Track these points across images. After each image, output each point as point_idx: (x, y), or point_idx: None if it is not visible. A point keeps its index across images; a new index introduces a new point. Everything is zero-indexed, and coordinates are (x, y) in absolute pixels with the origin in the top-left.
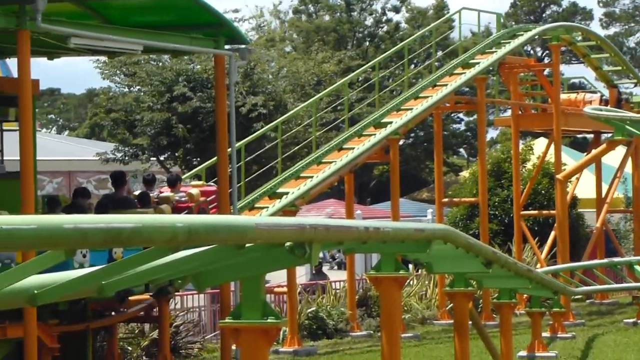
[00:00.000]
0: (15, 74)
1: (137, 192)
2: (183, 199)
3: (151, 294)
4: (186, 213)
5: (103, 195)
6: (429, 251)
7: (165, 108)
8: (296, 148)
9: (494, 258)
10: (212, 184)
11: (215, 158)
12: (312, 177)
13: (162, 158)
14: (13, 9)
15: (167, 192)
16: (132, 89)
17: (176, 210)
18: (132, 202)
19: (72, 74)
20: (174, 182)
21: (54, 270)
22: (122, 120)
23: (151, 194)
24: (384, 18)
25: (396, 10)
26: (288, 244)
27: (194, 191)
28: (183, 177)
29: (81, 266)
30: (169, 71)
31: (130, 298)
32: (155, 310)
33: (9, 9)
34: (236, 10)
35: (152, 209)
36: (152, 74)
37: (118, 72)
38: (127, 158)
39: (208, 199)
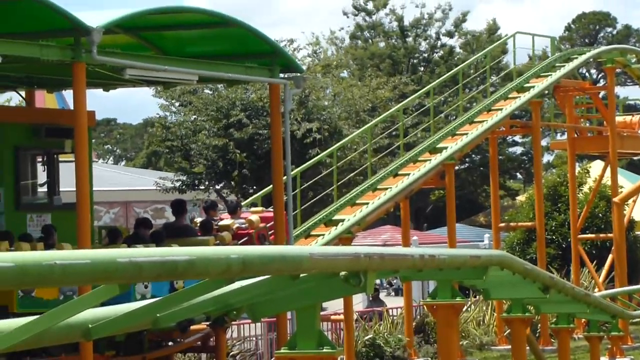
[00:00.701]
0: (71, 106)
1: (198, 219)
2: (243, 225)
3: (208, 323)
4: (246, 240)
5: (164, 224)
6: (485, 277)
7: (222, 134)
8: (352, 174)
9: (551, 283)
10: (271, 210)
11: (271, 186)
12: (367, 203)
13: (218, 187)
14: (68, 41)
15: (227, 219)
16: (188, 117)
17: (236, 237)
18: (193, 230)
19: (128, 103)
20: (234, 209)
21: (116, 300)
22: (178, 149)
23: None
24: (439, 43)
25: (450, 35)
26: (343, 273)
27: (254, 217)
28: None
29: (143, 297)
30: (224, 99)
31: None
32: (212, 339)
33: (65, 42)
34: (291, 41)
35: (213, 237)
36: (208, 102)
37: (174, 101)
38: (184, 187)
39: (268, 225)
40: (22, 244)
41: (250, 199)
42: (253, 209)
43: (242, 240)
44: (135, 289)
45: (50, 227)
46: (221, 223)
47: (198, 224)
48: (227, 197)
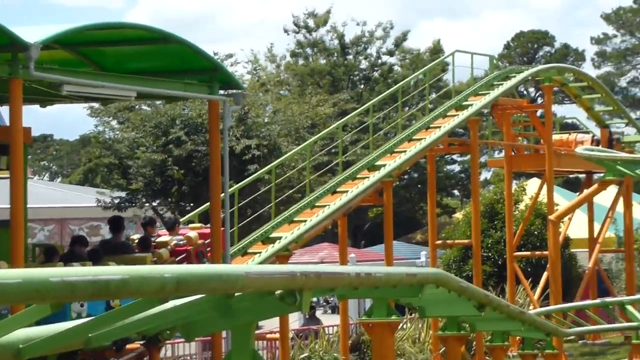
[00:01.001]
0: (7, 122)
1: (135, 236)
2: (181, 242)
3: (142, 342)
4: (184, 257)
5: (100, 241)
6: (421, 295)
7: (161, 150)
8: (290, 192)
9: (486, 301)
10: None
11: (208, 203)
12: (305, 221)
13: (155, 203)
14: (5, 57)
15: (165, 235)
16: (125, 134)
17: (174, 253)
18: (130, 247)
19: (65, 120)
20: (172, 226)
21: (52, 319)
22: (116, 166)
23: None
24: (379, 61)
25: (390, 53)
26: (278, 292)
27: (192, 234)
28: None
29: (79, 316)
30: (162, 116)
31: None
32: (146, 359)
33: (1, 57)
34: (230, 55)
35: (151, 254)
36: (146, 119)
37: (111, 118)
38: (122, 204)
39: (206, 242)
40: (1, 262)
41: (188, 216)
42: (191, 225)
43: (180, 257)
44: (71, 307)
45: (52, 248)
46: (159, 240)
47: (136, 241)
48: (163, 214)
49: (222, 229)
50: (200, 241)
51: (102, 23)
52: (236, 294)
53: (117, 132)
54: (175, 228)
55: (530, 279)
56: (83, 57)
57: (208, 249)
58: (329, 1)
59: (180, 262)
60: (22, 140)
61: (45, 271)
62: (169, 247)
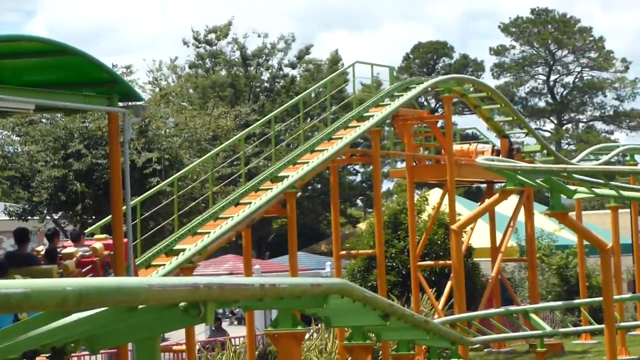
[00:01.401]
0: None
1: (40, 248)
2: (87, 253)
3: (47, 355)
4: (91, 267)
5: (6, 252)
6: (326, 306)
7: (61, 165)
8: (193, 204)
9: (390, 310)
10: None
11: (110, 216)
12: (209, 232)
13: (56, 217)
14: None
15: (70, 246)
16: (25, 148)
17: (80, 264)
18: (36, 258)
19: None
20: (77, 237)
21: None
22: (17, 179)
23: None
24: (281, 73)
25: (292, 66)
26: (182, 304)
27: (98, 245)
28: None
29: None
30: (62, 130)
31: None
32: None
33: None
34: (129, 67)
35: (57, 265)
36: (46, 133)
37: (9, 132)
38: (24, 214)
39: (112, 252)
40: None
41: (90, 228)
42: (97, 236)
43: (87, 269)
44: None
45: None
46: (64, 251)
47: (42, 252)
48: (64, 227)
49: (126, 240)
50: (105, 252)
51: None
52: (139, 307)
53: (17, 146)
54: (80, 239)
55: (434, 288)
56: None
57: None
58: (230, 13)
59: (86, 273)
60: None
61: None
62: (75, 258)
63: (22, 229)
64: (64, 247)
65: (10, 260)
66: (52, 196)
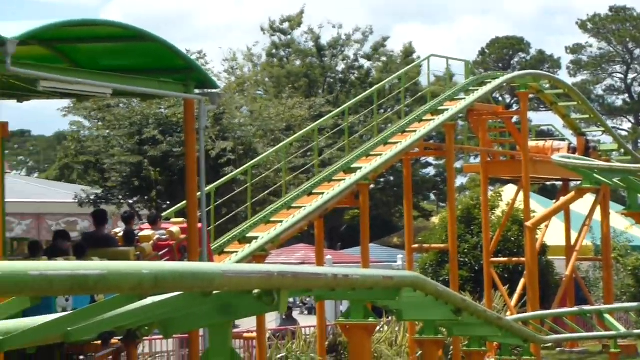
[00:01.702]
0: None
1: (117, 230)
2: (164, 237)
3: (120, 338)
4: (167, 251)
5: (84, 233)
6: (398, 298)
7: (136, 150)
8: (265, 192)
9: (463, 306)
10: None
11: (185, 202)
12: (281, 221)
13: (132, 201)
14: None
15: (147, 229)
16: (100, 132)
17: (157, 248)
18: (114, 240)
19: (42, 115)
20: (154, 220)
21: (37, 313)
22: (92, 164)
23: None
24: (356, 64)
25: (368, 57)
26: (256, 291)
27: (175, 229)
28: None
29: (64, 310)
30: (138, 115)
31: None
32: (123, 354)
33: None
34: (201, 52)
35: (134, 248)
36: (121, 118)
37: (86, 116)
38: (99, 200)
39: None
40: None
41: (164, 214)
42: (173, 220)
43: (163, 252)
44: (57, 302)
45: (37, 243)
46: (141, 234)
47: (119, 234)
48: (139, 212)
49: (200, 225)
50: (182, 236)
51: (78, 20)
52: (214, 292)
53: (93, 130)
54: (158, 222)
55: (507, 285)
56: (59, 53)
57: None
58: (302, 2)
59: (163, 256)
60: (0, 134)
61: (25, 265)
62: (152, 241)
63: (100, 210)
64: (141, 229)
65: (88, 241)
66: (126, 181)
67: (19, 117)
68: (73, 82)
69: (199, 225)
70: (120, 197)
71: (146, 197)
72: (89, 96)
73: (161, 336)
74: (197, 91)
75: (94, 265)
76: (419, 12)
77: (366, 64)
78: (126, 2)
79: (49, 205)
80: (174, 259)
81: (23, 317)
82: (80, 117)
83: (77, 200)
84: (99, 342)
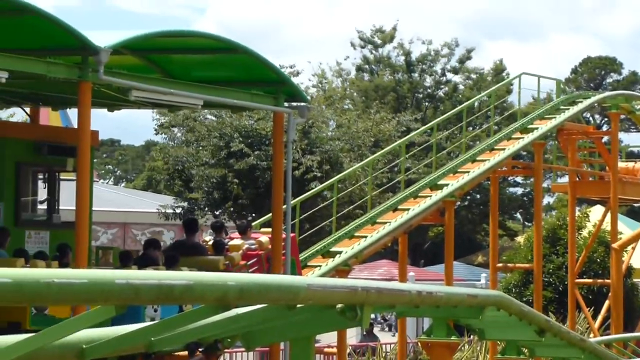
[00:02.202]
0: (75, 124)
1: (207, 239)
2: (253, 246)
3: (201, 349)
4: (255, 261)
5: (175, 241)
6: (481, 317)
7: (222, 164)
8: (351, 207)
9: (546, 326)
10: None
11: (270, 215)
12: (366, 237)
13: (216, 212)
14: (75, 60)
15: (237, 239)
16: (189, 143)
17: (246, 257)
18: (204, 249)
19: (132, 125)
20: (244, 230)
21: (125, 323)
22: (178, 174)
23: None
24: (444, 79)
25: (455, 71)
26: (339, 306)
27: (264, 239)
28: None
29: (152, 320)
30: (227, 127)
31: (178, 354)
32: None
33: (72, 60)
34: (292, 67)
35: (223, 257)
36: (212, 129)
37: (176, 126)
38: (184, 213)
39: None
40: (38, 262)
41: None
42: (263, 229)
43: (252, 262)
44: (145, 312)
45: (66, 246)
46: (231, 243)
47: (209, 243)
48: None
49: (293, 235)
50: (270, 246)
51: (171, 30)
52: (298, 306)
53: (182, 141)
54: (247, 232)
55: (591, 307)
56: (151, 63)
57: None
58: (394, 17)
59: (251, 266)
60: (90, 143)
61: (111, 273)
62: (241, 250)
63: (191, 219)
64: (231, 238)
65: (178, 248)
66: (210, 193)
67: (109, 126)
68: (165, 93)
69: (292, 235)
70: (206, 208)
71: (232, 209)
72: (180, 107)
73: (242, 348)
74: (286, 104)
75: (180, 276)
76: (510, 29)
77: (453, 77)
78: (219, 14)
79: (135, 215)
80: (262, 269)
81: (111, 326)
82: (173, 127)
83: (158, 213)
84: (185, 352)
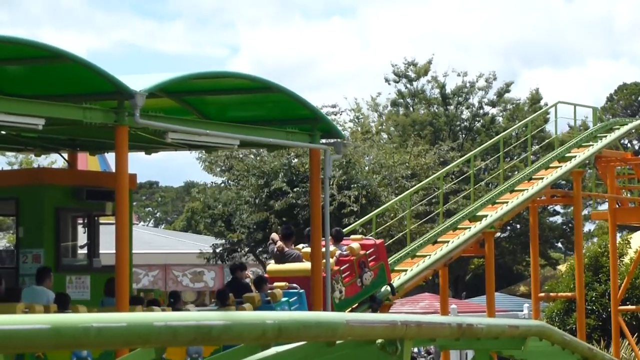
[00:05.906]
0: (113, 168)
1: (300, 246)
2: (345, 252)
3: None
4: (347, 266)
5: (227, 282)
6: (524, 348)
7: (263, 206)
8: (390, 241)
9: (590, 355)
10: (371, 237)
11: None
12: (406, 270)
13: (257, 251)
14: (111, 105)
15: (331, 246)
16: (229, 182)
17: (339, 263)
18: (249, 287)
19: (170, 166)
20: (338, 237)
21: None
22: (219, 216)
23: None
24: (481, 112)
25: (493, 104)
26: (379, 341)
27: (355, 245)
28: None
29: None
30: (267, 165)
31: None
32: None
33: (108, 105)
34: (334, 106)
35: (259, 294)
36: (251, 167)
37: (215, 166)
38: (224, 253)
39: (367, 252)
40: (79, 307)
41: None
42: (353, 236)
43: (345, 267)
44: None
45: (178, 293)
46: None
47: (302, 250)
48: (265, 263)
49: (381, 240)
50: (362, 252)
51: (206, 72)
52: (337, 342)
53: (223, 181)
54: (341, 240)
55: (635, 334)
56: (187, 105)
57: (370, 258)
58: (429, 51)
59: (344, 271)
60: (128, 186)
61: (150, 315)
62: (335, 257)
63: (240, 263)
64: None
65: (229, 287)
66: (252, 233)
67: (147, 168)
68: (201, 134)
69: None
70: (247, 249)
71: None
72: (217, 147)
73: None
74: (322, 141)
75: (218, 316)
76: (548, 56)
77: (491, 110)
78: (254, 51)
79: (176, 256)
80: (354, 273)
81: None
82: (212, 165)
83: (199, 255)
84: None
